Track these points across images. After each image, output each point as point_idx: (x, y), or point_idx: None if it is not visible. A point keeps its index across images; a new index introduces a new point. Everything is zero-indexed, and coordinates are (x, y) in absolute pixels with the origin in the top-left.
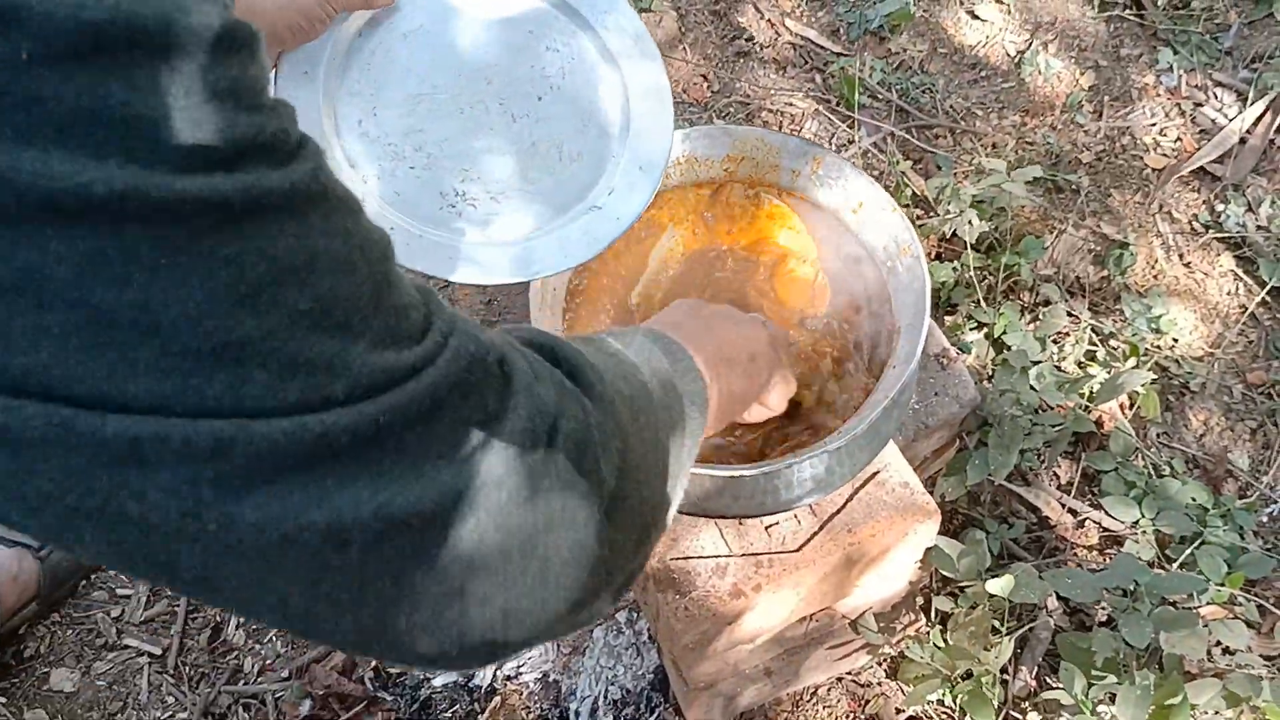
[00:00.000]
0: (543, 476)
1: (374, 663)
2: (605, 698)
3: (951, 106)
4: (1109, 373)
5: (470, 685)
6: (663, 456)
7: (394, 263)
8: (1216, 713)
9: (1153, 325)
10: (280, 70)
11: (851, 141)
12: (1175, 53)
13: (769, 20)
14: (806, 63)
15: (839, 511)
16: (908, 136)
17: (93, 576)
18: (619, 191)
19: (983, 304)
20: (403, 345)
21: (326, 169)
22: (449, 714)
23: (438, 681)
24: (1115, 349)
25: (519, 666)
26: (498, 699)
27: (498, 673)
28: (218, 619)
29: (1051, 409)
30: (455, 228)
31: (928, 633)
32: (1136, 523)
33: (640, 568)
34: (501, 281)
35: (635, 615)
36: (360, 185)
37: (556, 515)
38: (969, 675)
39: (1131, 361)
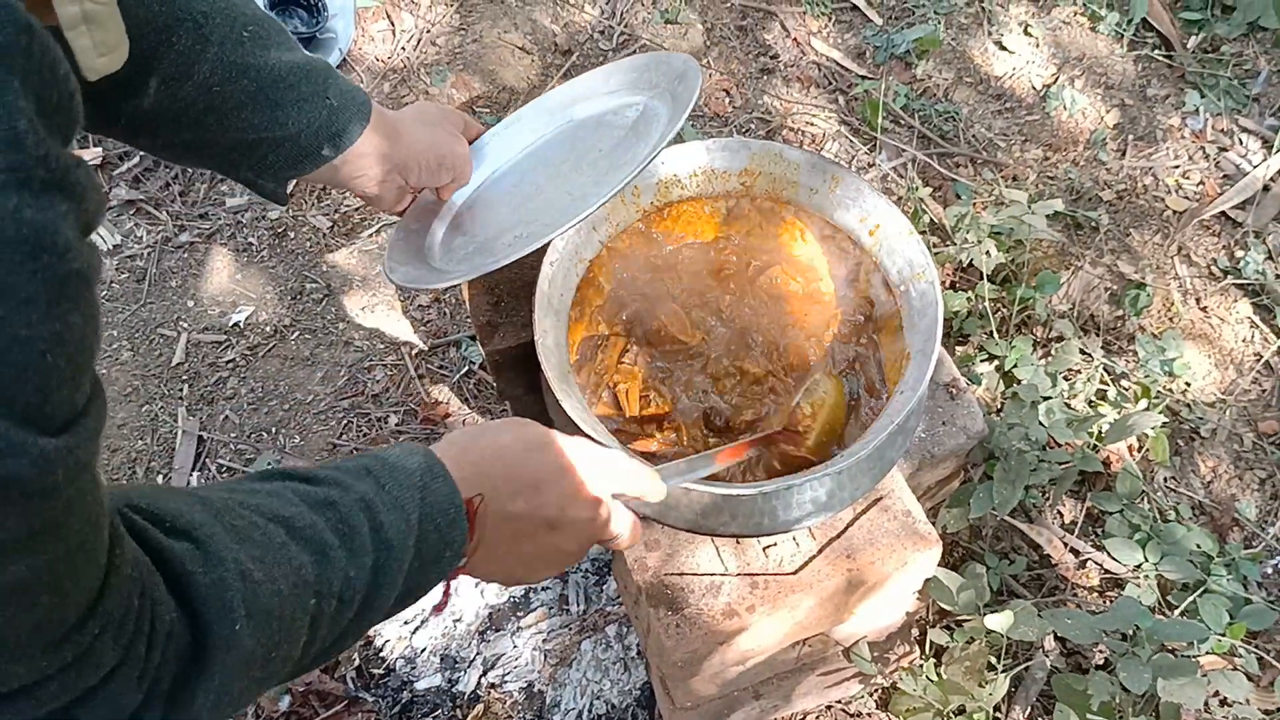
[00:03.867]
0: None
1: (356, 662)
2: (589, 711)
3: (974, 136)
4: (1119, 413)
5: (453, 690)
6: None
7: (92, 563)
8: None
9: (1166, 368)
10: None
11: (872, 164)
12: (1203, 96)
13: (795, 39)
14: (830, 84)
15: (839, 536)
16: (929, 162)
17: None
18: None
19: (995, 336)
20: (37, 658)
21: (74, 518)
22: (430, 718)
23: (420, 685)
24: (1126, 389)
25: (504, 675)
26: (480, 706)
27: (482, 680)
28: None
29: (1059, 446)
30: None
31: (921, 665)
32: (1139, 566)
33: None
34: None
35: (625, 630)
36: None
37: None
38: (962, 711)
39: (1143, 403)
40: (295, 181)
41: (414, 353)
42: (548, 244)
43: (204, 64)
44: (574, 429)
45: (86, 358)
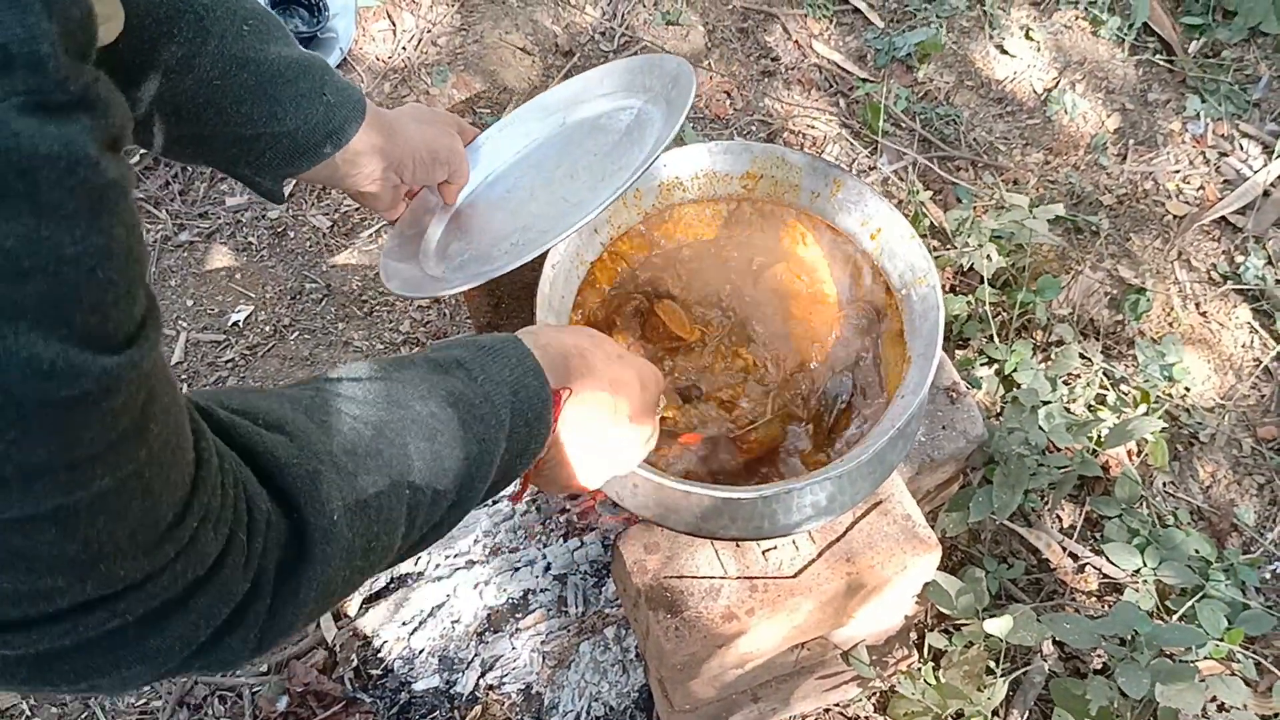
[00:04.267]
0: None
1: (355, 662)
2: (588, 713)
3: (975, 139)
4: (1118, 418)
5: (451, 692)
6: (391, 512)
7: (180, 457)
8: None
9: (1165, 373)
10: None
11: (873, 168)
12: (1203, 101)
13: (796, 41)
14: (831, 86)
15: (839, 539)
16: (930, 166)
17: None
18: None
19: (995, 340)
20: (140, 557)
21: (155, 423)
22: (428, 719)
23: (418, 686)
24: (1126, 394)
25: (502, 676)
26: (478, 707)
27: (480, 681)
28: None
29: (1059, 451)
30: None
31: (920, 669)
32: (1138, 571)
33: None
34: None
35: (624, 632)
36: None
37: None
38: (960, 715)
39: (1142, 408)
40: (294, 181)
41: (414, 353)
42: (545, 251)
43: (205, 56)
44: None
45: (137, 270)
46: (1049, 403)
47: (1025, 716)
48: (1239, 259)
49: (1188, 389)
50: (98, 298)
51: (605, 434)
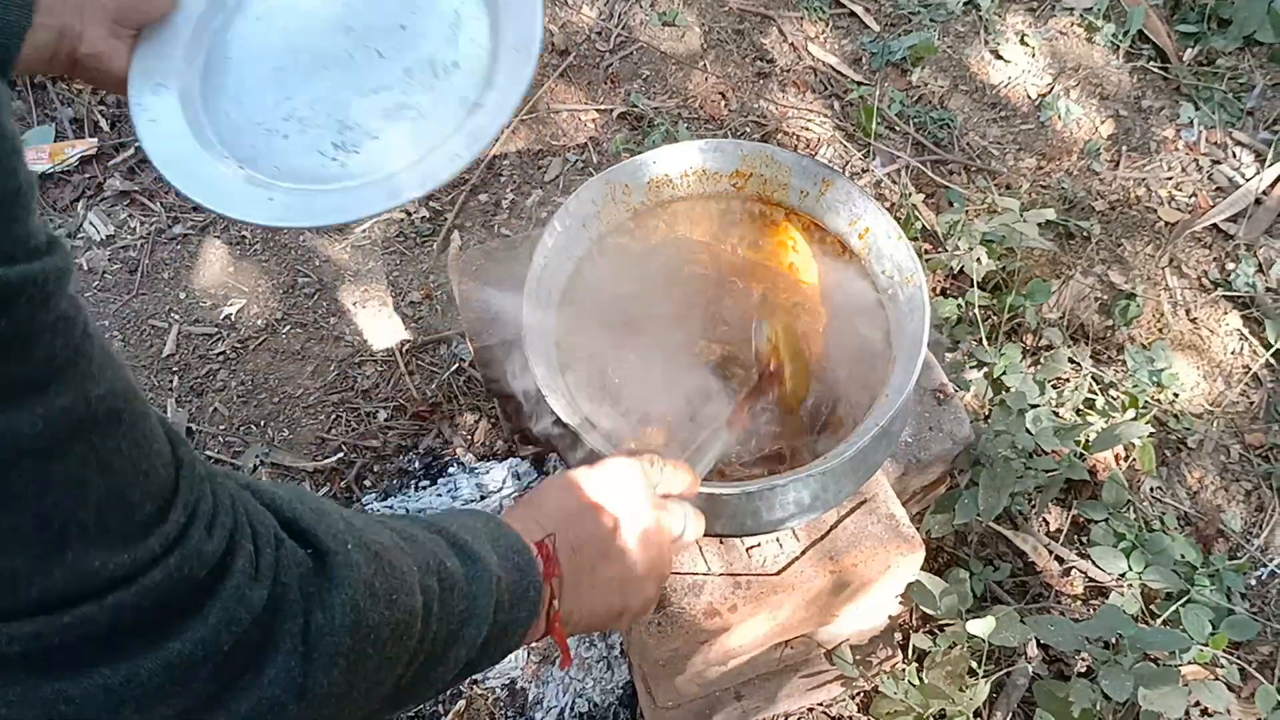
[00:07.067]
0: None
1: None
2: (571, 709)
3: (968, 144)
4: (1107, 422)
5: None
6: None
7: (147, 447)
8: None
9: (1154, 378)
10: (132, 89)
11: (865, 170)
12: (1197, 108)
13: (792, 43)
14: (826, 89)
15: (823, 537)
16: (922, 169)
17: None
18: (499, 85)
19: (985, 343)
20: (117, 548)
21: (91, 381)
22: (413, 713)
23: None
24: (1115, 399)
25: (487, 671)
26: (462, 702)
27: None
28: None
29: (1046, 454)
30: (345, 177)
31: (904, 669)
32: (1124, 575)
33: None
34: (405, 201)
35: None
36: (236, 173)
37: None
38: (943, 715)
39: (1130, 413)
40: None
41: (404, 348)
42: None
43: None
44: (561, 427)
45: (14, 190)
46: (1037, 406)
47: (1008, 718)
48: (1230, 266)
49: (1176, 395)
50: None
51: (609, 553)
